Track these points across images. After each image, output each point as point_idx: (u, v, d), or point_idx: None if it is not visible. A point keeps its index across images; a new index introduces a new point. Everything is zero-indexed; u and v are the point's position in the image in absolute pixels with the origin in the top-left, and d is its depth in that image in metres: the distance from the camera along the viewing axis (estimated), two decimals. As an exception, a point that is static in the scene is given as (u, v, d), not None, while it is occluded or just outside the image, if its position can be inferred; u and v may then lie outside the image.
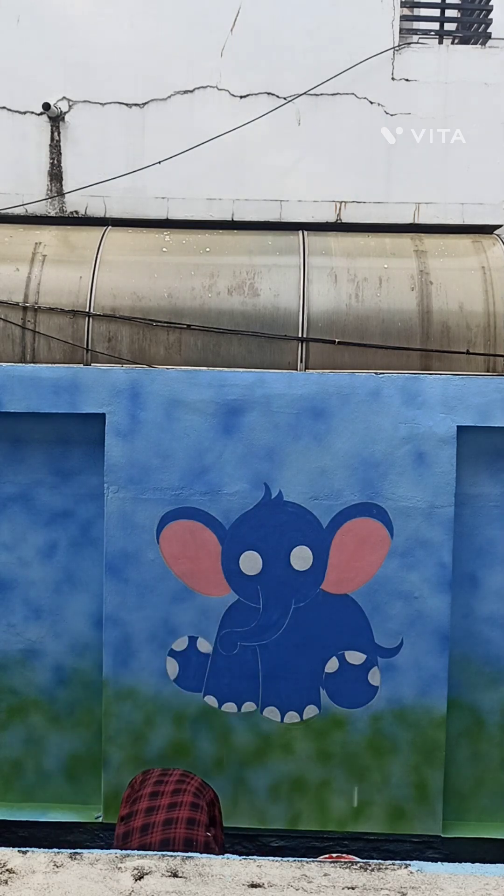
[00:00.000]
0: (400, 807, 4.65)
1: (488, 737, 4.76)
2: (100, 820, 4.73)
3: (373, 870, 2.85)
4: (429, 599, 4.56)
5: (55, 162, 5.31)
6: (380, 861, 3.00)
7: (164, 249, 5.00)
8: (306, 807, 4.68)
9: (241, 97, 5.22)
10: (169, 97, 5.25)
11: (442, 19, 5.75)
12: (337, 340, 4.69)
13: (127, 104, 5.26)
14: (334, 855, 4.63)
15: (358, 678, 4.61)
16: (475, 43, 5.47)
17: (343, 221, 5.30)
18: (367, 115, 5.23)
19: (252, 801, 4.69)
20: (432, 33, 5.83)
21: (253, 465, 4.56)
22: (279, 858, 2.91)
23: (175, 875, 2.75)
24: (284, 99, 5.21)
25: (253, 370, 4.60)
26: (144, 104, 5.26)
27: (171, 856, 2.88)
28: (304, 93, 5.18)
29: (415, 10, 5.67)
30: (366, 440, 4.54)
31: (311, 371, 4.64)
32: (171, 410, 4.55)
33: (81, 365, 4.70)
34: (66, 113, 5.27)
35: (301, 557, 4.59)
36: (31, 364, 4.69)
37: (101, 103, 5.26)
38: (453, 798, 4.76)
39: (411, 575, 4.56)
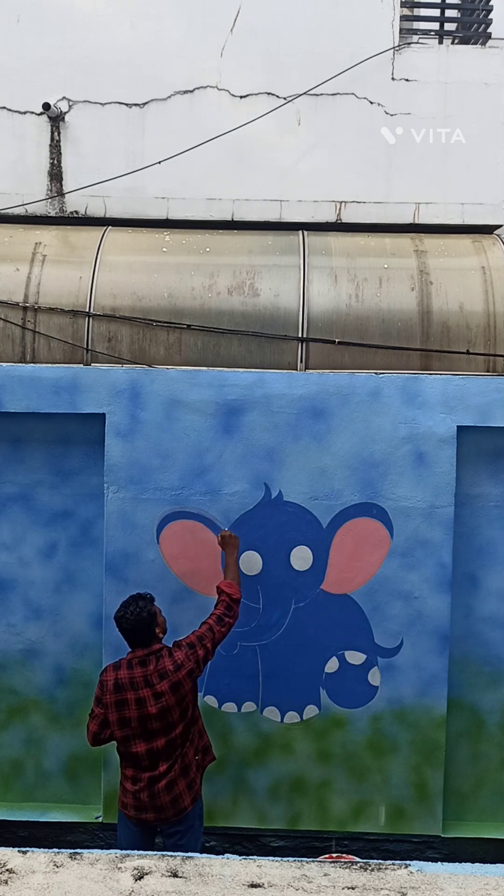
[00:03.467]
0: (400, 807, 4.65)
1: (488, 737, 4.76)
2: (100, 820, 4.73)
3: (373, 870, 2.85)
4: (429, 599, 4.56)
5: (55, 162, 5.31)
6: (380, 861, 3.00)
7: (164, 249, 5.00)
8: (306, 807, 4.68)
9: (241, 97, 5.22)
10: (169, 97, 5.25)
11: (442, 19, 5.75)
12: (337, 340, 4.69)
13: (127, 104, 5.26)
14: (334, 855, 4.64)
15: (358, 678, 4.61)
16: (475, 43, 5.47)
17: (343, 221, 5.30)
18: (367, 115, 5.23)
19: (252, 801, 4.69)
20: (432, 33, 5.83)
21: (253, 465, 4.56)
22: (279, 858, 2.91)
23: (175, 875, 2.75)
24: (284, 99, 5.21)
25: (253, 370, 4.60)
26: (144, 104, 5.26)
27: (171, 856, 2.89)
28: (304, 93, 5.18)
29: (415, 10, 5.67)
30: (366, 440, 4.54)
31: (311, 371, 4.64)
32: (171, 410, 4.55)
33: (81, 365, 4.70)
34: (66, 113, 5.27)
35: (301, 557, 4.59)
36: (31, 364, 4.69)
37: (101, 103, 5.26)
38: (453, 798, 4.76)
39: (411, 575, 4.55)
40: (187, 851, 3.90)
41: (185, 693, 3.85)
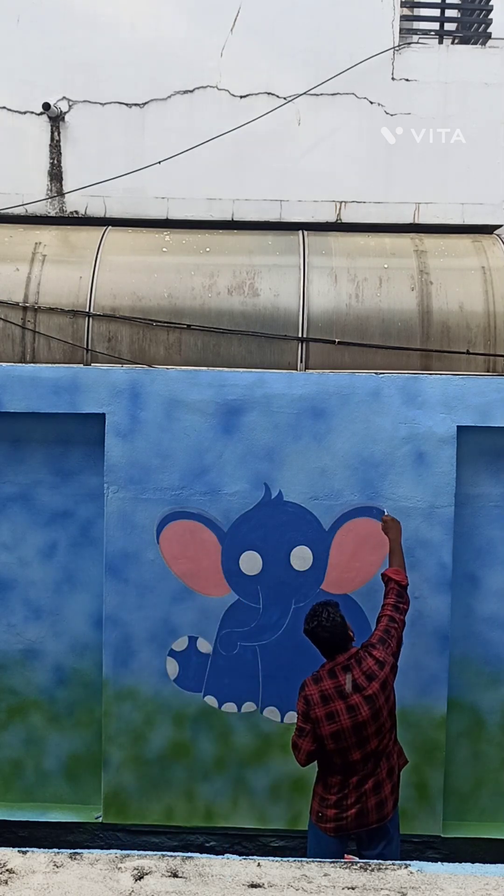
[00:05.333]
0: (400, 807, 4.64)
1: (488, 737, 4.76)
2: (99, 820, 4.73)
3: (373, 870, 2.86)
4: (429, 599, 4.56)
5: (55, 162, 5.31)
6: (380, 861, 3.00)
7: (164, 249, 5.00)
8: (306, 807, 4.67)
9: (241, 97, 5.22)
10: (169, 97, 5.25)
11: (442, 19, 5.75)
12: (337, 340, 4.70)
13: (127, 104, 5.26)
14: (334, 855, 4.63)
15: (358, 678, 4.61)
16: (475, 43, 5.47)
17: (343, 221, 5.30)
18: (367, 115, 5.23)
19: (252, 801, 4.69)
20: (432, 33, 5.82)
21: (253, 465, 4.56)
22: (279, 858, 2.92)
23: (175, 875, 2.75)
24: (284, 99, 5.21)
25: (253, 370, 4.60)
26: (144, 104, 5.26)
27: (171, 856, 2.89)
28: (304, 93, 5.18)
29: (415, 10, 5.66)
30: (366, 440, 4.54)
31: (311, 371, 4.64)
32: (171, 410, 4.55)
33: (81, 365, 4.70)
34: (66, 113, 5.27)
35: (301, 557, 4.59)
36: (31, 364, 4.69)
37: (101, 103, 5.26)
38: (453, 798, 4.76)
39: (411, 575, 4.54)
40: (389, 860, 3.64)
41: (390, 690, 3.75)
